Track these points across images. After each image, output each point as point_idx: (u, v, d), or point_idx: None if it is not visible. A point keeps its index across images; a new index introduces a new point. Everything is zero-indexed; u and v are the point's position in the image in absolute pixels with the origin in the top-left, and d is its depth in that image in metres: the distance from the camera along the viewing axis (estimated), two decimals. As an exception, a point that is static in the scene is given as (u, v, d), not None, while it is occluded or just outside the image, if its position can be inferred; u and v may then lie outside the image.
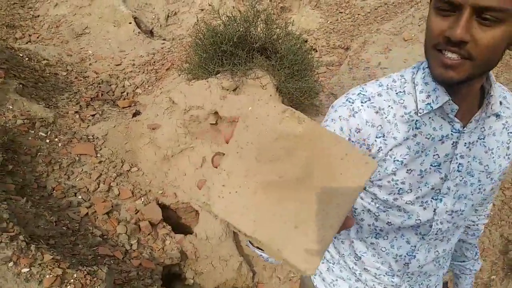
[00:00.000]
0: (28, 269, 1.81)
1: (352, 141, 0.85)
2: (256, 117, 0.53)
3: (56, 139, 3.16)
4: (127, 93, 4.57)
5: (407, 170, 0.85)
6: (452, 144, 0.85)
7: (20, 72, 3.89)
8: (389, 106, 0.84)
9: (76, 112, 3.74)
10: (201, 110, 3.31)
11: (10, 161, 2.73)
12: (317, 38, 5.78)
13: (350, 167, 0.50)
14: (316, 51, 5.62)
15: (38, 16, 5.78)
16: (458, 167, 0.86)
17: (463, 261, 1.19)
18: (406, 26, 4.93)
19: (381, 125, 0.84)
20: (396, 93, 0.85)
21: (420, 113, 0.82)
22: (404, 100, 0.84)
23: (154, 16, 6.26)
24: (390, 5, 5.87)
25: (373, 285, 1.03)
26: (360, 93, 0.86)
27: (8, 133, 2.88)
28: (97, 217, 2.65)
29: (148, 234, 2.65)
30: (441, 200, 0.89)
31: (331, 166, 0.51)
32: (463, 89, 0.77)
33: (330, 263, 1.11)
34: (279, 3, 6.94)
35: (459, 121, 0.82)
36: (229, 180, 0.51)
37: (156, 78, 4.72)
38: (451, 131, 0.83)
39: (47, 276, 1.80)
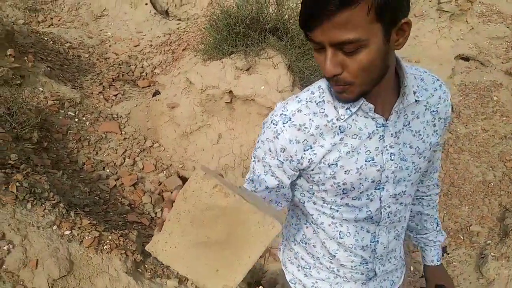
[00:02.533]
0: (69, 232, 2.09)
1: (280, 161, 0.93)
2: (192, 191, 0.68)
3: (84, 118, 3.42)
4: (146, 73, 4.79)
5: (345, 171, 0.92)
6: (379, 137, 0.91)
7: (47, 56, 4.14)
8: (310, 119, 0.90)
9: (100, 92, 3.99)
10: (217, 90, 3.51)
11: (44, 139, 3.01)
12: (329, 15, 5.83)
13: (260, 231, 0.69)
14: (329, 28, 5.69)
15: (58, -1, 6.00)
16: (390, 156, 0.93)
17: (425, 233, 1.26)
18: (417, 2, 4.94)
19: (306, 139, 0.90)
20: (316, 104, 0.91)
21: (342, 119, 0.88)
22: (324, 109, 0.90)
23: (169, -4, 6.39)
24: (404, -21, 5.86)
25: (351, 275, 1.12)
26: (282, 113, 0.92)
27: (41, 113, 3.15)
28: (125, 189, 2.92)
29: (171, 204, 2.92)
30: (383, 188, 0.97)
31: (247, 231, 0.70)
32: (372, 90, 0.83)
33: (306, 268, 1.17)
34: (292, -21, 6.96)
35: (380, 116, 0.89)
36: (170, 238, 0.71)
37: (173, 58, 4.91)
38: (376, 127, 0.90)
39: (86, 238, 2.08)
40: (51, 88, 3.48)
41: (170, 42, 5.27)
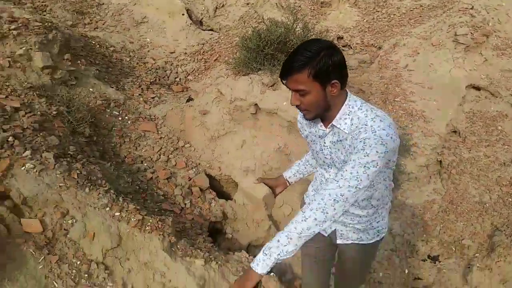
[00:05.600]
0: (119, 213, 2.52)
1: (299, 128, 1.81)
2: None
3: (126, 117, 3.89)
4: (180, 79, 5.25)
5: (312, 149, 1.75)
6: (324, 139, 1.63)
7: (94, 59, 4.64)
8: (301, 117, 1.72)
9: (140, 94, 4.46)
10: (244, 102, 3.93)
11: (94, 134, 3.48)
12: (352, 36, 6.20)
13: None
14: (351, 48, 6.06)
15: (103, 4, 6.50)
16: (329, 152, 1.63)
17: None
18: (435, 32, 5.26)
19: (301, 123, 1.78)
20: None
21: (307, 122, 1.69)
22: None
23: (204, 8, 6.87)
24: (425, 7, 6.17)
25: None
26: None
27: (92, 111, 3.62)
28: (159, 181, 3.36)
29: (198, 197, 3.34)
30: (329, 169, 1.72)
31: None
32: (325, 115, 1.54)
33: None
34: (319, -2, 7.36)
35: (324, 127, 1.60)
36: None
37: (205, 68, 5.36)
38: (321, 132, 1.62)
39: (132, 219, 2.51)
40: (99, 89, 3.96)
41: (203, 52, 5.72)
